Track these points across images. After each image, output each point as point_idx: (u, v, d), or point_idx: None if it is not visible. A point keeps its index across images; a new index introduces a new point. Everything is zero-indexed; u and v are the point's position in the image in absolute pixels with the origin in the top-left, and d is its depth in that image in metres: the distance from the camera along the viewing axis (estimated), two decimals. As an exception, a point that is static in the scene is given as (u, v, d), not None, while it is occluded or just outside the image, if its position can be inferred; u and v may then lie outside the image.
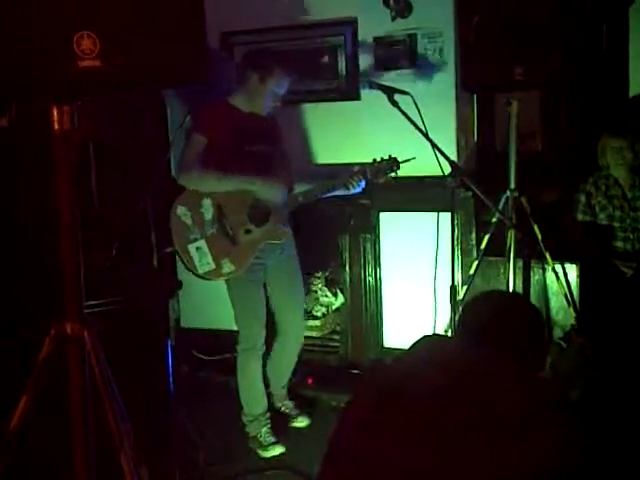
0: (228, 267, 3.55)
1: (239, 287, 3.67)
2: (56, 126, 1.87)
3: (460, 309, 2.04)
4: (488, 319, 1.91)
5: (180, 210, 3.60)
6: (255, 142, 3.62)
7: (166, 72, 1.85)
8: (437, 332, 3.91)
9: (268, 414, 3.81)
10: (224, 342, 4.32)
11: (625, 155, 4.07)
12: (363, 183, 3.61)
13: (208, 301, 4.55)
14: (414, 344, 1.91)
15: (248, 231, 3.57)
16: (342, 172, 3.77)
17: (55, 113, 1.87)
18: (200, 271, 3.57)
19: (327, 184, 3.63)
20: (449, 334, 3.66)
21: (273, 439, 3.75)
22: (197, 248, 3.55)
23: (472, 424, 1.57)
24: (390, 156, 3.65)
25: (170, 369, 2.94)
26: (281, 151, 3.81)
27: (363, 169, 3.60)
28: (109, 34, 1.77)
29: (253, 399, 3.78)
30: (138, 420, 2.14)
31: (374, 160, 3.64)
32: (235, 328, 3.89)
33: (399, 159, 3.66)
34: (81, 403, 2.04)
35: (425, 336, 1.94)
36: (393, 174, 3.65)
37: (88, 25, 1.77)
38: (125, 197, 4.52)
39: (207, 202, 3.56)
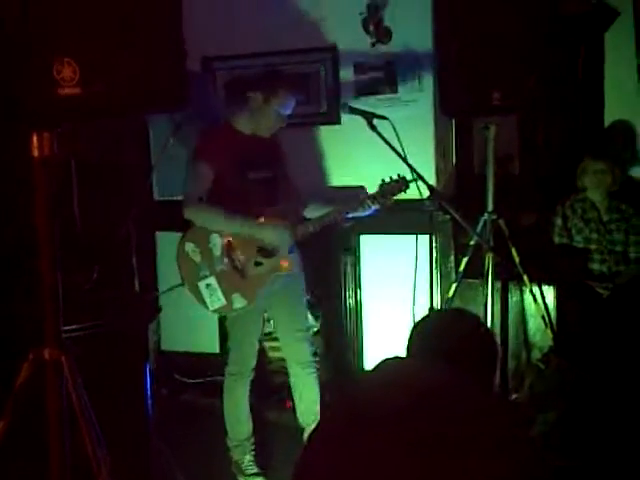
0: (239, 302, 3.50)
1: (237, 315, 3.61)
2: (36, 152, 1.89)
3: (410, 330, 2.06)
4: (436, 337, 1.96)
5: (188, 247, 3.54)
6: (260, 168, 3.55)
7: (146, 99, 1.88)
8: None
9: (252, 440, 3.75)
10: (205, 365, 4.33)
11: (605, 178, 4.16)
12: (373, 208, 3.51)
13: (189, 323, 4.57)
14: (375, 368, 1.94)
15: (258, 263, 3.52)
16: (344, 196, 3.72)
17: (35, 140, 1.88)
18: (211, 308, 3.54)
19: (337, 211, 3.55)
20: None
21: (255, 469, 3.70)
22: (207, 285, 3.50)
23: (434, 441, 1.59)
24: (399, 175, 3.51)
25: (148, 394, 2.94)
26: (285, 173, 3.72)
27: (372, 195, 3.50)
28: (89, 62, 1.80)
29: (237, 423, 3.73)
30: (115, 445, 2.15)
31: (382, 181, 3.52)
32: (216, 351, 3.91)
33: (407, 178, 3.51)
34: (58, 428, 2.04)
35: (385, 359, 1.97)
36: (401, 194, 3.52)
37: (68, 53, 1.79)
38: (107, 220, 4.53)
39: (216, 238, 3.50)
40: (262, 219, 3.49)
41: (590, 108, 4.68)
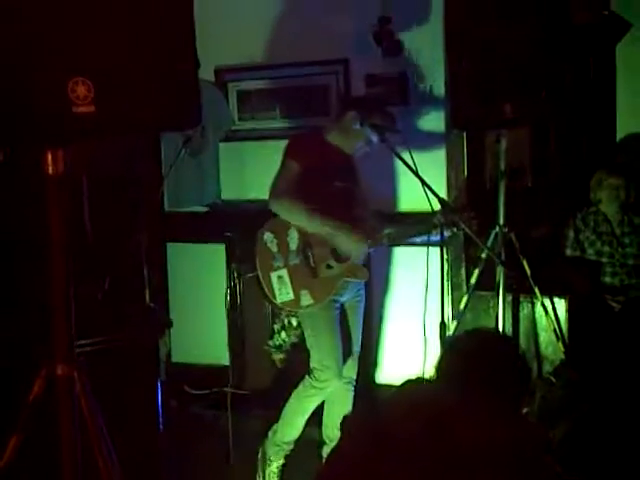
0: (307, 300, 3.50)
1: (315, 327, 3.59)
2: (50, 170, 1.90)
3: (439, 353, 2.06)
4: (465, 361, 1.94)
5: (267, 236, 3.57)
6: (343, 178, 3.60)
7: (159, 117, 1.89)
8: (424, 372, 3.90)
9: (292, 447, 3.69)
10: (215, 377, 4.32)
11: (620, 193, 4.16)
12: (444, 235, 3.50)
13: (200, 335, 4.57)
14: (397, 389, 1.94)
15: (330, 266, 3.53)
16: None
17: (49, 157, 1.89)
18: (279, 300, 3.55)
19: (412, 230, 3.64)
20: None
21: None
22: (279, 277, 3.51)
23: (454, 464, 1.58)
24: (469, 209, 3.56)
25: (160, 410, 2.94)
26: (361, 190, 3.77)
27: (445, 221, 3.47)
28: (103, 80, 1.80)
29: (292, 426, 3.65)
30: (127, 460, 2.15)
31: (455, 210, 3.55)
32: (226, 363, 3.90)
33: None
34: (70, 445, 2.05)
35: (407, 381, 1.96)
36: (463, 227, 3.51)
37: (83, 71, 1.80)
38: (118, 231, 4.55)
39: (294, 232, 3.54)
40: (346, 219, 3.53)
41: (602, 120, 4.67)
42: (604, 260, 4.19)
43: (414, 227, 3.62)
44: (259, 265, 3.58)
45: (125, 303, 3.46)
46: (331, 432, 3.73)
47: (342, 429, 1.95)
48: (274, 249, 3.55)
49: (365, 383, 4.49)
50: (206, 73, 4.57)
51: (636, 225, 4.19)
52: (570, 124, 4.56)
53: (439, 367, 2.03)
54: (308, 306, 3.52)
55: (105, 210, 4.49)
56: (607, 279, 4.19)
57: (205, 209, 4.89)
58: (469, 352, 1.99)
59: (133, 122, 1.88)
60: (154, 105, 1.88)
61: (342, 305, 3.65)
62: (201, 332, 4.57)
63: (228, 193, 4.81)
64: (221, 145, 4.81)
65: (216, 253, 4.70)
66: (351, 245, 3.51)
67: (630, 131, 4.57)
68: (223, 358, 4.78)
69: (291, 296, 3.52)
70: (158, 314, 3.87)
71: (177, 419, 4.15)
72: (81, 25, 1.80)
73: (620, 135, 4.61)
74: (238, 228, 4.28)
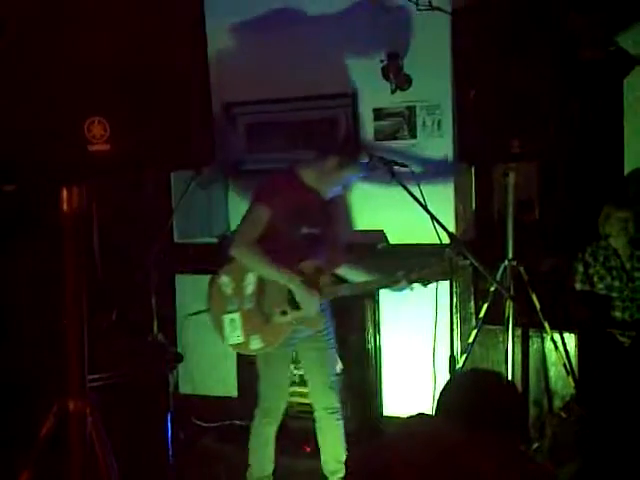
0: (257, 344, 3.53)
1: (266, 357, 3.64)
2: (65, 206, 1.92)
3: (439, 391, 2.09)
4: (466, 398, 1.97)
5: (223, 280, 3.60)
6: (312, 224, 3.59)
7: (174, 155, 1.91)
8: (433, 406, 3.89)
9: (272, 478, 3.76)
10: (223, 409, 4.31)
11: (629, 227, 4.15)
12: (406, 288, 3.50)
13: (207, 367, 4.56)
14: (401, 424, 1.95)
15: (284, 312, 3.54)
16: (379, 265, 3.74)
17: (65, 194, 1.92)
18: (228, 342, 3.58)
19: (373, 282, 3.60)
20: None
21: None
22: (231, 320, 3.54)
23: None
24: (442, 259, 3.45)
25: (170, 444, 2.94)
26: (334, 234, 3.74)
27: (410, 277, 3.47)
28: (119, 120, 1.83)
29: (259, 461, 3.74)
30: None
31: (423, 265, 3.49)
32: (234, 395, 3.89)
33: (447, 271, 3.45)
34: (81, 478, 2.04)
35: (412, 416, 1.98)
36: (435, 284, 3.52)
37: (99, 111, 1.83)
38: (127, 262, 4.57)
39: (251, 277, 3.55)
40: (301, 271, 3.51)
41: (610, 154, 4.68)
42: (614, 295, 4.18)
43: (377, 281, 3.58)
44: (212, 307, 3.62)
45: (135, 336, 3.46)
46: (331, 465, 3.74)
47: (346, 469, 1.97)
48: (229, 292, 3.58)
49: (372, 416, 4.49)
50: (215, 107, 4.62)
51: (646, 259, 4.19)
52: (578, 158, 4.58)
53: (440, 403, 2.05)
54: (258, 349, 3.55)
55: (114, 240, 4.52)
56: (617, 314, 4.17)
57: (214, 240, 4.91)
58: (468, 390, 2.02)
59: (147, 160, 1.90)
60: (168, 144, 1.90)
61: (301, 340, 3.64)
62: (209, 364, 4.56)
63: (237, 225, 4.82)
64: (229, 178, 4.84)
65: (225, 285, 4.70)
66: (305, 301, 3.49)
67: (638, 165, 4.58)
68: (232, 390, 4.78)
69: (241, 339, 3.54)
70: (169, 348, 3.86)
71: (185, 451, 4.14)
72: (98, 66, 1.83)
73: (628, 169, 4.62)
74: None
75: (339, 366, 4.14)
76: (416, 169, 3.64)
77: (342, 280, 3.71)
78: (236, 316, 3.55)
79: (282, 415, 3.72)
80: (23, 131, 1.76)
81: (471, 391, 2.03)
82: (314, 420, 3.77)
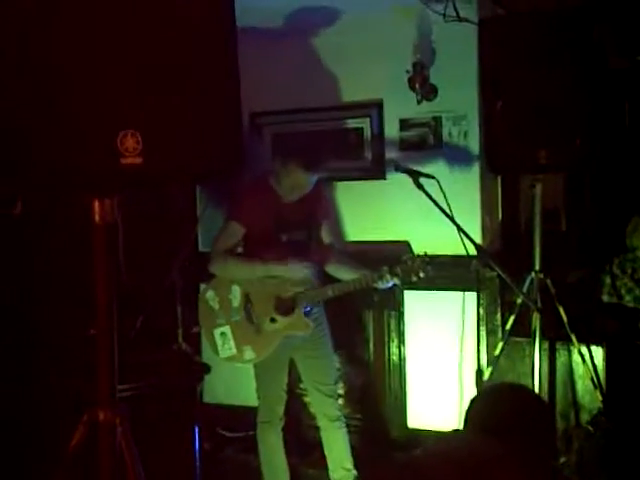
0: (249, 354, 3.60)
1: (261, 365, 3.71)
2: (97, 218, 1.94)
3: (467, 406, 2.09)
4: (496, 412, 1.96)
5: (209, 294, 3.68)
6: (292, 229, 3.64)
7: (204, 169, 1.92)
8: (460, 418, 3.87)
9: None
10: (248, 418, 4.29)
11: None
12: (391, 282, 3.55)
13: (232, 376, 4.55)
14: (439, 440, 1.95)
15: (273, 320, 3.59)
16: (369, 252, 3.75)
17: (97, 206, 1.93)
18: (221, 355, 3.66)
19: (358, 281, 3.61)
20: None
21: None
22: (221, 333, 3.62)
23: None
24: (425, 253, 3.54)
25: (197, 458, 2.94)
26: (318, 235, 3.80)
27: (395, 270, 3.52)
28: (151, 132, 1.84)
29: (272, 472, 3.78)
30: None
31: (406, 259, 3.54)
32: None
33: (428, 255, 3.54)
34: (110, 490, 2.05)
35: (452, 431, 1.98)
36: (423, 274, 3.54)
37: (132, 124, 1.84)
38: (153, 270, 4.59)
39: (236, 289, 3.61)
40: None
41: (637, 164, 4.64)
42: (642, 307, 4.14)
43: (362, 278, 3.59)
44: (201, 322, 3.71)
45: (160, 346, 3.48)
46: (337, 473, 3.79)
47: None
48: (216, 306, 3.64)
49: (395, 428, 4.47)
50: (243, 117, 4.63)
51: (674, 272, 4.14)
52: (606, 169, 4.54)
53: (468, 418, 2.04)
54: (251, 360, 3.61)
55: (140, 248, 4.54)
56: (645, 326, 4.13)
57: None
58: (497, 404, 2.01)
59: (179, 173, 1.91)
60: (200, 155, 1.91)
61: (296, 346, 3.68)
62: (233, 373, 4.55)
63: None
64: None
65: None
66: (293, 271, 3.54)
67: (667, 175, 4.54)
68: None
69: (234, 351, 3.61)
70: (194, 358, 3.89)
71: (210, 462, 4.14)
72: (131, 78, 1.85)
73: (657, 180, 4.57)
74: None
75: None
76: (441, 180, 3.62)
77: (331, 280, 3.74)
78: (226, 329, 3.62)
79: (282, 420, 3.76)
80: (57, 143, 1.78)
81: (502, 405, 2.01)
82: (318, 429, 3.81)
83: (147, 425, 2.60)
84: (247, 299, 3.59)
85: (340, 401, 4.46)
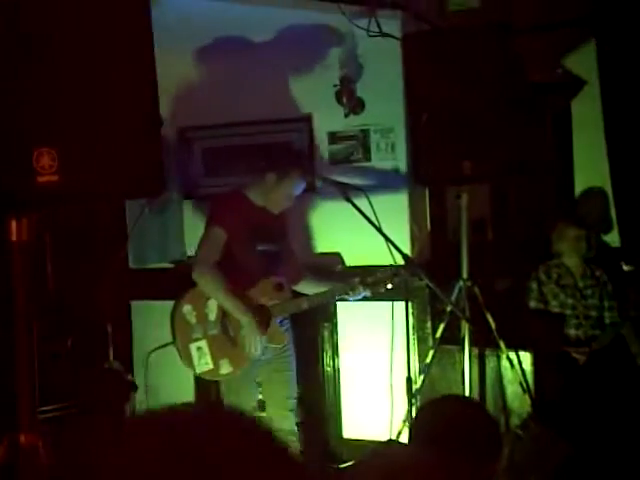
0: (226, 368, 3.54)
1: (229, 384, 3.68)
2: (14, 238, 1.90)
3: (414, 417, 2.11)
4: (439, 427, 1.96)
5: (186, 309, 3.60)
6: (267, 241, 3.64)
7: (123, 186, 1.91)
8: (391, 426, 3.90)
9: None
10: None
11: (581, 245, 4.23)
12: (363, 294, 3.59)
13: (165, 394, 4.51)
14: (374, 452, 1.95)
15: None
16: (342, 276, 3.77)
17: (13, 225, 1.89)
18: (197, 370, 3.59)
19: (331, 292, 3.64)
20: (406, 427, 3.68)
21: None
22: (198, 348, 3.55)
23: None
24: (393, 264, 3.57)
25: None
26: (289, 249, 3.82)
27: (365, 282, 3.57)
28: (67, 150, 1.82)
29: None
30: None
31: (377, 269, 3.62)
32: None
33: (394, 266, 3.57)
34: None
35: (385, 442, 1.99)
36: (390, 286, 3.61)
37: (47, 141, 1.82)
38: (82, 289, 4.51)
39: (213, 302, 3.56)
40: (254, 294, 3.55)
41: (560, 174, 4.79)
42: (568, 312, 4.25)
43: (334, 289, 3.63)
44: (178, 336, 3.62)
45: (89, 365, 3.42)
46: None
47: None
48: (193, 321, 3.59)
49: (331, 438, 4.49)
50: (170, 132, 4.61)
51: (598, 277, 4.27)
52: (529, 179, 4.67)
53: (414, 431, 2.05)
54: (228, 374, 3.57)
55: (68, 266, 4.47)
56: (571, 331, 4.24)
57: (170, 266, 4.88)
58: (442, 417, 2.02)
59: (97, 191, 1.89)
60: (119, 174, 1.90)
61: (265, 360, 3.66)
62: (167, 390, 4.51)
63: (193, 250, 4.81)
64: (185, 202, 4.83)
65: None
66: (247, 329, 3.50)
67: (588, 184, 4.69)
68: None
69: (210, 366, 3.56)
70: (123, 377, 3.82)
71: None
72: (47, 96, 1.82)
73: (579, 189, 4.72)
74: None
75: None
76: (370, 192, 3.67)
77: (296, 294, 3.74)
78: (202, 343, 3.56)
79: None
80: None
81: (446, 417, 2.02)
82: None
83: (74, 446, 2.55)
84: (223, 312, 3.55)
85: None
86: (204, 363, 3.55)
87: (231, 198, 3.69)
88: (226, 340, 3.55)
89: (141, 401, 4.19)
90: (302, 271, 3.84)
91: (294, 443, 3.75)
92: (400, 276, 3.56)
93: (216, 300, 3.54)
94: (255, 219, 3.60)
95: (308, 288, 3.79)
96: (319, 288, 3.74)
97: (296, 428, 3.79)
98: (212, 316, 3.57)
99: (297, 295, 3.74)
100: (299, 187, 3.63)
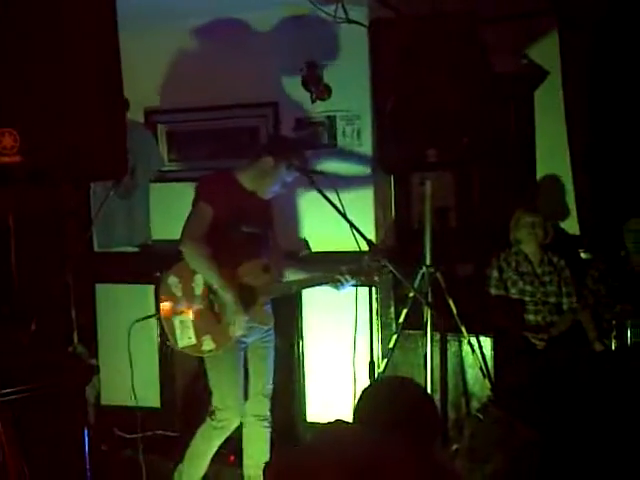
0: (208, 344, 3.51)
1: (218, 367, 3.62)
2: (-25, 218, 1.89)
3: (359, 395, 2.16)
4: (378, 406, 2.03)
5: (172, 280, 3.57)
6: (252, 223, 3.62)
7: (87, 168, 1.91)
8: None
9: None
10: (146, 420, 4.26)
11: (537, 231, 4.30)
12: (351, 283, 3.56)
13: (128, 377, 4.50)
14: (320, 432, 2.00)
15: None
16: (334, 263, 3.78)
17: (-26, 206, 1.89)
18: (180, 344, 3.55)
19: (319, 279, 3.63)
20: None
21: None
22: (181, 321, 3.52)
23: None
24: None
25: (87, 458, 2.90)
26: (273, 234, 3.81)
27: (354, 271, 3.55)
28: (29, 131, 1.82)
29: (195, 467, 3.71)
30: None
31: (362, 261, 3.57)
32: (157, 406, 3.84)
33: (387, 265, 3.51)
34: (-6, 496, 2.01)
35: (331, 422, 2.03)
36: (377, 278, 3.61)
37: (9, 122, 1.81)
38: (45, 272, 4.48)
39: (200, 278, 3.53)
40: (240, 272, 3.54)
41: (522, 163, 4.85)
42: (527, 299, 4.32)
43: (323, 276, 3.61)
44: (162, 308, 3.60)
45: (51, 348, 3.40)
46: (252, 471, 3.78)
47: (264, 475, 2.01)
48: (178, 293, 3.57)
49: (296, 422, 4.53)
50: (136, 114, 4.59)
51: (555, 264, 4.35)
52: (492, 166, 4.73)
53: (355, 414, 2.10)
54: (210, 351, 3.54)
55: (32, 249, 4.43)
56: (530, 317, 4.32)
57: (135, 249, 4.87)
58: (379, 399, 2.08)
59: (60, 172, 1.89)
60: (82, 156, 1.90)
61: (250, 345, 3.68)
62: (130, 373, 4.51)
63: (158, 233, 4.80)
64: (151, 186, 4.81)
65: (146, 294, 4.67)
66: (231, 308, 3.49)
67: (549, 172, 4.76)
68: (154, 400, 4.74)
69: (193, 341, 3.53)
70: (85, 360, 3.81)
71: (108, 463, 4.08)
72: (8, 76, 1.82)
73: (539, 176, 4.80)
74: (168, 268, 4.29)
75: None
76: (335, 178, 3.69)
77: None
78: (186, 317, 3.54)
79: (233, 429, 3.68)
80: None
81: (383, 398, 2.08)
82: (241, 425, 3.78)
83: (35, 428, 2.56)
84: (210, 288, 3.54)
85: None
86: (187, 337, 3.51)
87: (221, 179, 3.67)
88: (211, 316, 3.52)
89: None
90: (286, 259, 3.85)
91: (266, 429, 3.77)
92: (364, 262, 3.58)
93: (201, 274, 3.52)
94: (243, 202, 3.58)
95: (292, 277, 3.77)
96: (300, 275, 3.73)
97: (269, 414, 3.80)
98: (198, 291, 3.54)
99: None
100: (293, 175, 3.61)
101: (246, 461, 3.80)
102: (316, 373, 4.52)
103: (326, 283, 3.61)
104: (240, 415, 3.67)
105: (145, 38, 4.45)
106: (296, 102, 4.40)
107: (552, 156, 4.69)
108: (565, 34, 4.42)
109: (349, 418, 3.01)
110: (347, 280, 3.55)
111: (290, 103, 4.44)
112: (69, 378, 2.95)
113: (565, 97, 4.46)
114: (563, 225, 4.68)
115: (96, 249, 4.91)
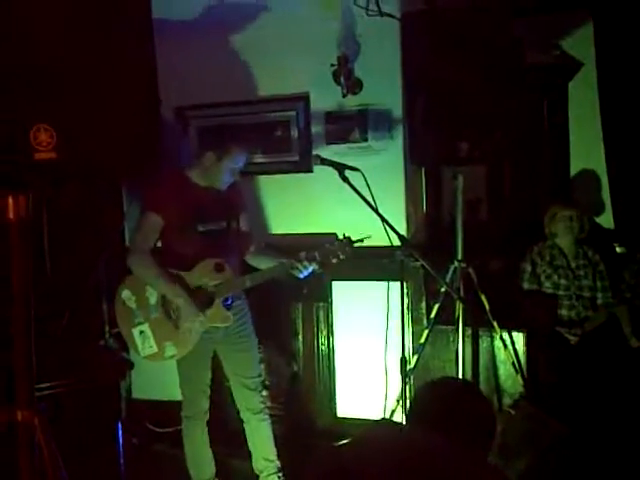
0: (170, 350, 3.56)
1: (184, 360, 3.67)
2: (11, 215, 1.91)
3: (412, 397, 2.13)
4: (438, 408, 1.99)
5: (125, 294, 3.63)
6: (210, 220, 3.60)
7: (120, 165, 1.91)
8: (385, 406, 3.93)
9: None
10: (176, 413, 4.28)
11: (574, 226, 4.25)
12: (310, 268, 3.56)
13: (160, 371, 4.53)
14: (368, 430, 1.96)
15: None
16: (297, 244, 3.78)
17: (11, 202, 1.90)
18: (142, 354, 3.61)
19: (274, 269, 3.61)
20: (400, 406, 3.71)
21: None
22: (140, 332, 3.58)
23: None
24: (344, 235, 3.58)
25: (121, 452, 2.92)
26: (237, 225, 3.79)
27: (312, 255, 3.54)
28: (65, 128, 1.83)
29: (198, 465, 3.80)
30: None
31: (324, 243, 3.57)
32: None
33: (353, 239, 3.57)
34: (30, 489, 2.03)
35: (379, 421, 2.00)
36: (342, 256, 3.55)
37: (45, 118, 1.82)
38: (78, 266, 4.52)
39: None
40: (191, 276, 3.54)
41: (556, 156, 4.79)
42: (561, 293, 4.27)
43: (280, 265, 3.58)
44: (119, 322, 3.66)
45: (85, 343, 3.43)
46: (260, 464, 3.86)
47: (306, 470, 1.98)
48: (133, 306, 3.61)
49: (327, 418, 4.53)
50: (167, 111, 4.60)
51: (590, 258, 4.30)
52: (525, 160, 4.68)
53: (415, 409, 2.06)
54: (172, 356, 3.59)
55: (65, 244, 4.47)
56: (564, 312, 4.27)
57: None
58: (451, 400, 2.03)
59: (94, 169, 1.90)
60: (116, 152, 1.90)
61: (224, 341, 3.69)
62: (162, 367, 4.53)
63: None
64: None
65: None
66: (187, 314, 3.51)
67: (583, 167, 4.70)
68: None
69: (155, 349, 3.59)
70: (119, 355, 3.84)
71: (139, 457, 4.11)
72: (46, 73, 1.82)
73: (574, 171, 4.73)
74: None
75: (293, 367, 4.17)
76: (367, 172, 3.67)
77: (252, 270, 3.74)
78: (145, 327, 3.59)
79: (206, 414, 3.77)
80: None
81: (444, 401, 2.04)
82: (241, 421, 3.82)
83: (70, 422, 2.58)
84: (164, 296, 3.56)
85: (264, 392, 4.48)
86: (148, 347, 3.58)
87: (168, 181, 3.62)
88: (168, 323, 3.56)
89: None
90: (255, 244, 3.85)
91: (263, 422, 3.81)
92: (396, 257, 3.56)
93: (150, 285, 3.56)
94: (196, 199, 3.57)
95: (257, 261, 3.79)
96: (269, 261, 3.70)
97: (263, 406, 3.84)
98: (153, 300, 3.58)
99: (244, 273, 3.70)
100: (240, 161, 3.61)
101: (254, 455, 3.88)
102: (346, 368, 4.51)
103: (284, 272, 3.59)
104: (206, 399, 3.73)
105: (175, 35, 4.46)
106: (327, 96, 4.38)
107: (586, 149, 4.63)
108: (600, 26, 4.36)
109: (381, 415, 2.97)
110: (305, 267, 3.54)
111: (321, 97, 4.41)
112: (104, 374, 2.96)
113: (599, 89, 4.40)
114: (598, 219, 4.62)
115: (128, 244, 4.94)
